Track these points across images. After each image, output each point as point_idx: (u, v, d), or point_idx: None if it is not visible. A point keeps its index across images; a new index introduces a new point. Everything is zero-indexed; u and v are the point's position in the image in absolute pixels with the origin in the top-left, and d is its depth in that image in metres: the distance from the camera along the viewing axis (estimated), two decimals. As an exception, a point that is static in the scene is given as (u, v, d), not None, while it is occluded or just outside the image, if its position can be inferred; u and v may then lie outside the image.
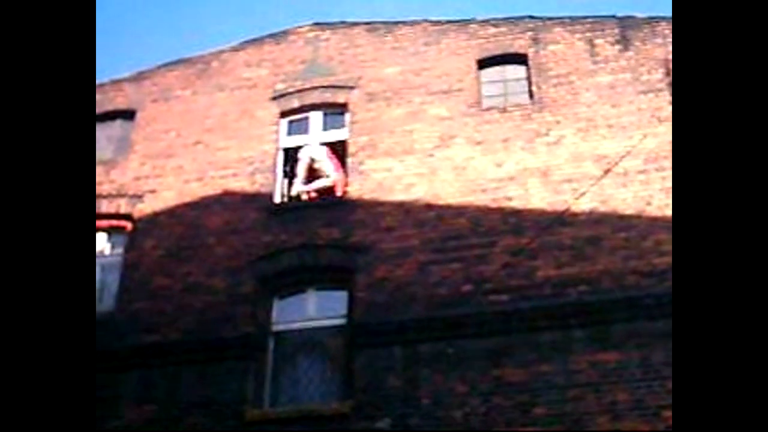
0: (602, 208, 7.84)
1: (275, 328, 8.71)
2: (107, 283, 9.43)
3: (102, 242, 9.70)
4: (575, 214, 7.89)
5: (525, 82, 8.95)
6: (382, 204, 8.61)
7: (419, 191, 8.51)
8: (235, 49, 9.83)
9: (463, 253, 8.16)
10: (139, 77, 10.14)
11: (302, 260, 8.83)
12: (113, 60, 26.18)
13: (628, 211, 7.75)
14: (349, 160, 8.84)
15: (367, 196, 8.68)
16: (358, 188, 8.75)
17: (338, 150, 9.36)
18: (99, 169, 9.51)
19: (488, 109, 8.70)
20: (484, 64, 9.11)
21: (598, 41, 8.97)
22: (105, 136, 10.11)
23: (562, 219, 7.91)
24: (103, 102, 10.19)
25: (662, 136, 8.03)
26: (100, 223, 9.54)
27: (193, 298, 8.81)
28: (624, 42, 8.88)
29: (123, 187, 9.77)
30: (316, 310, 8.75)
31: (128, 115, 10.18)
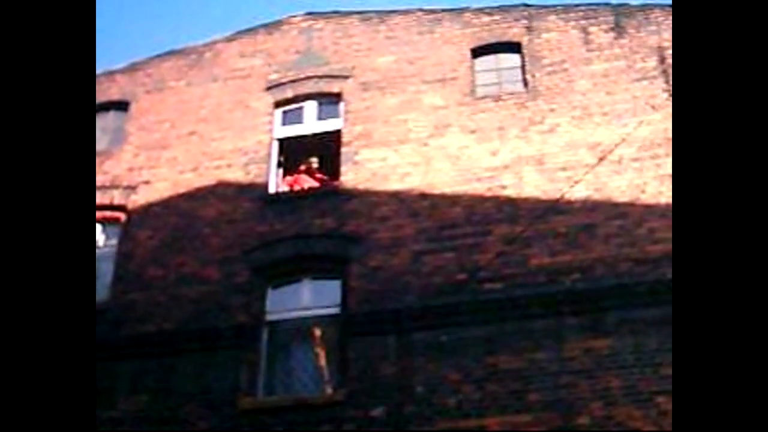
0: (596, 196, 7.77)
1: (269, 317, 8.61)
2: (101, 273, 9.21)
3: (96, 233, 9.53)
4: (570, 202, 7.82)
5: (519, 71, 8.79)
6: (376, 193, 8.53)
7: (414, 180, 8.43)
8: (228, 40, 9.71)
9: (457, 242, 8.10)
10: (132, 68, 10.04)
11: (297, 250, 8.74)
12: (106, 51, 25.70)
13: (623, 199, 7.69)
14: (344, 150, 8.75)
15: (361, 186, 8.59)
16: (352, 178, 8.66)
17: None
18: (93, 160, 9.46)
19: (482, 97, 8.55)
20: (478, 52, 8.95)
21: (592, 29, 8.83)
22: (99, 127, 9.88)
23: (556, 207, 7.84)
24: (97, 93, 10.01)
25: (656, 124, 7.93)
26: (94, 214, 9.43)
27: (187, 288, 8.72)
28: (618, 29, 8.75)
29: (117, 178, 9.66)
30: (311, 299, 8.68)
31: (122, 106, 10.05)
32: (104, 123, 10.05)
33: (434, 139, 8.46)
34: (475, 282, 7.94)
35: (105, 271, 9.33)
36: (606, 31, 8.80)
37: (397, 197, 8.42)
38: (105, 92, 10.12)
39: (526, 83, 8.65)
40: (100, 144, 9.91)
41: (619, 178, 7.78)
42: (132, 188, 9.52)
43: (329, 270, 8.66)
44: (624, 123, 8.00)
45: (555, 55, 8.67)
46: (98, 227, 9.65)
